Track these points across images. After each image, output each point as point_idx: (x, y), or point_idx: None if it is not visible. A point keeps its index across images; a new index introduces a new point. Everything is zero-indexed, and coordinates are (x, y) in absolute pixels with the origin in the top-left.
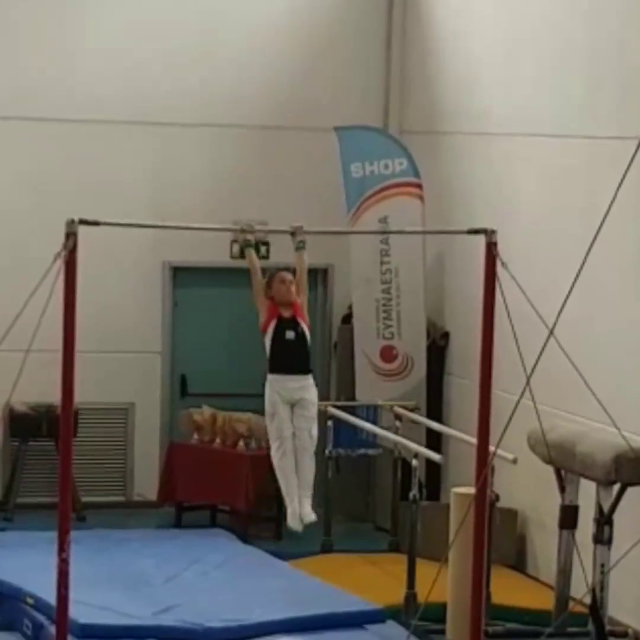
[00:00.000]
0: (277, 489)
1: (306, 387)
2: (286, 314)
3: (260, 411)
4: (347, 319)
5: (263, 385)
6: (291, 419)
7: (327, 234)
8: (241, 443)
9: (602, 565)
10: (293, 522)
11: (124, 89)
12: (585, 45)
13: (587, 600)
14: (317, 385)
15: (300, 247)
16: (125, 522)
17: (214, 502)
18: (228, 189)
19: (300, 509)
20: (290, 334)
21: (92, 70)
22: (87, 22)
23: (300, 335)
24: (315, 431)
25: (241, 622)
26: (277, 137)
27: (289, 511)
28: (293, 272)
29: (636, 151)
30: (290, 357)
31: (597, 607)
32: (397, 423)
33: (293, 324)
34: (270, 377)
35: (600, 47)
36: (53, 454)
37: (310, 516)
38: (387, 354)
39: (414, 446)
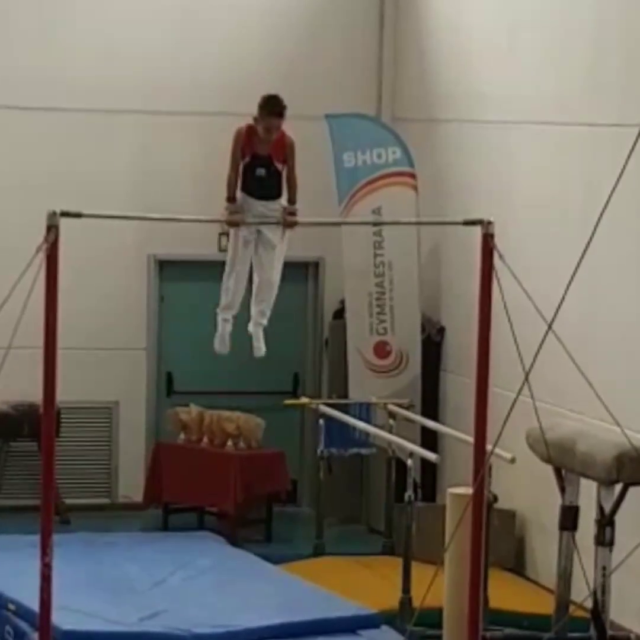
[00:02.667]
0: (267, 491)
1: (273, 209)
2: (262, 151)
3: (249, 409)
4: (339, 314)
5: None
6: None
7: (318, 225)
8: (229, 443)
9: (604, 568)
10: (220, 346)
11: (108, 77)
12: (587, 30)
13: (588, 604)
14: (308, 382)
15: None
16: (110, 525)
17: (202, 504)
18: (216, 179)
19: (254, 341)
20: (260, 171)
21: (74, 58)
22: (68, 9)
23: (272, 172)
24: (279, 265)
25: (230, 628)
26: None
27: (218, 333)
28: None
29: (637, 139)
30: (259, 189)
31: (598, 611)
32: (391, 421)
33: (267, 162)
34: (239, 194)
35: (601, 32)
36: (35, 455)
37: (262, 350)
38: (381, 349)
39: (408, 445)
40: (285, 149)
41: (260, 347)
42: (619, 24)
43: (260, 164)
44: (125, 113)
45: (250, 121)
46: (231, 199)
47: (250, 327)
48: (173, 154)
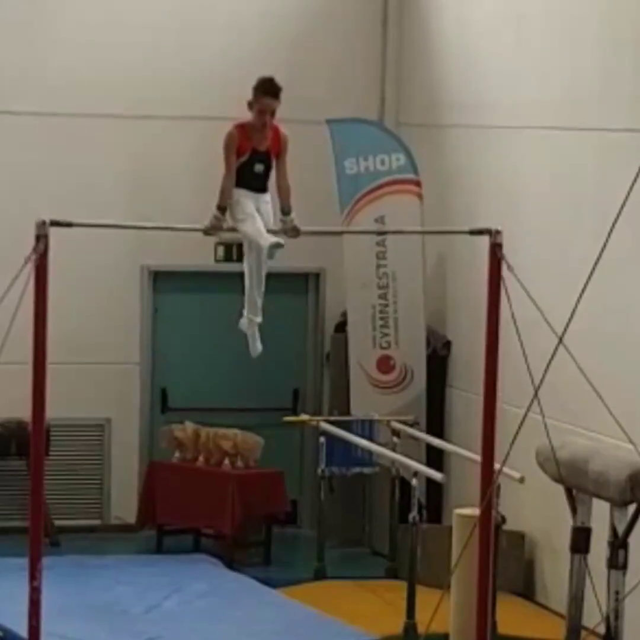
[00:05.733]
0: (266, 512)
1: (265, 202)
2: (260, 146)
3: (247, 427)
4: (341, 327)
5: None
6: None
7: (319, 234)
8: (226, 461)
9: (617, 592)
10: (273, 239)
11: (101, 80)
12: (597, 31)
13: (601, 629)
14: (308, 398)
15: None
16: (101, 548)
17: (197, 526)
18: (213, 187)
19: (250, 340)
20: (259, 168)
21: (67, 60)
22: (62, 9)
23: (269, 167)
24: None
25: None
26: None
27: (271, 237)
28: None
29: None
30: (256, 184)
31: (611, 637)
32: (395, 439)
33: (265, 157)
34: (235, 191)
35: (612, 35)
36: (24, 474)
37: (258, 349)
38: (384, 364)
39: (413, 464)
40: (280, 143)
41: (257, 347)
42: (630, 25)
43: (259, 160)
44: (119, 118)
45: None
46: (223, 208)
47: (245, 326)
48: (168, 160)
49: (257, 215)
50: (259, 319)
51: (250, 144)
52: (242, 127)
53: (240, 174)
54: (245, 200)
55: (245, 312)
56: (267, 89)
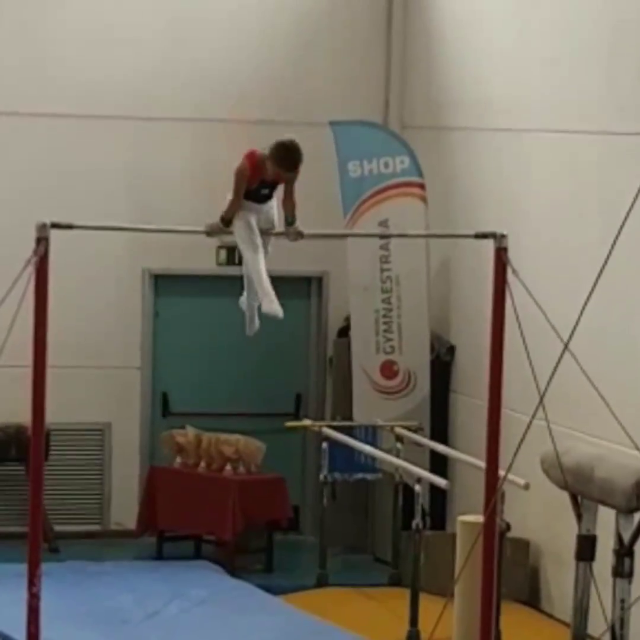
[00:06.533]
0: (268, 518)
1: (271, 206)
2: (269, 177)
3: (249, 432)
4: (344, 331)
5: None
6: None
7: (322, 237)
8: (228, 467)
9: (623, 601)
10: (271, 306)
11: (101, 80)
12: (601, 32)
13: (606, 638)
14: (311, 403)
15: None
16: (101, 554)
17: (199, 532)
18: (215, 189)
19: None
20: (265, 191)
21: (66, 61)
22: (63, 10)
23: (274, 188)
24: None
25: None
26: (267, 133)
27: (266, 300)
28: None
29: None
30: (261, 199)
31: None
32: (399, 445)
33: (273, 185)
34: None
35: (617, 36)
36: (23, 479)
37: (256, 327)
38: (388, 370)
39: (416, 470)
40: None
41: (254, 325)
42: (636, 27)
43: (266, 186)
44: (120, 119)
45: (250, 132)
46: (228, 222)
47: (244, 305)
48: (170, 162)
49: (260, 247)
50: (257, 303)
51: (260, 175)
52: (253, 158)
53: (246, 193)
54: (248, 221)
55: (245, 293)
56: (287, 166)
